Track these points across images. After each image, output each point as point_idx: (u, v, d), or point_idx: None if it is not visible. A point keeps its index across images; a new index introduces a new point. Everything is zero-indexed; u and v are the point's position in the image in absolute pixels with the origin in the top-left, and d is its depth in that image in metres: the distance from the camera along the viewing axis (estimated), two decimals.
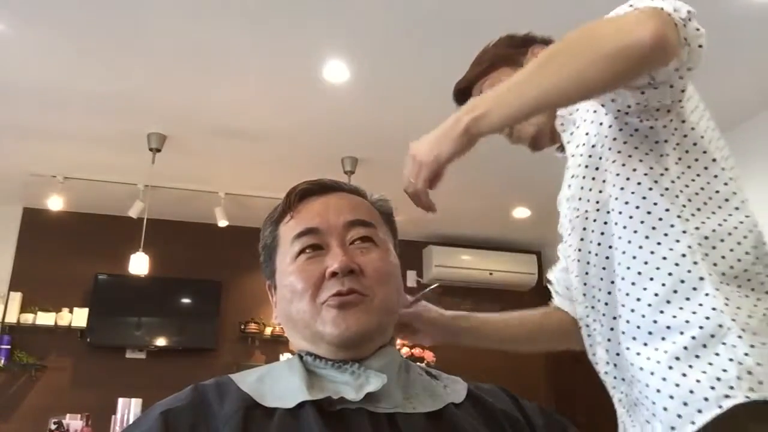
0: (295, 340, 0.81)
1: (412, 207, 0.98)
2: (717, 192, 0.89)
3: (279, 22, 2.72)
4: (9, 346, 4.40)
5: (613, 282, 0.91)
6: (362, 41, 2.88)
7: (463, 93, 1.22)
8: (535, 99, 0.82)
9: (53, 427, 3.38)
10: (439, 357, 4.87)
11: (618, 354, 0.90)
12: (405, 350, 4.82)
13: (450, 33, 2.77)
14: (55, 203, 4.13)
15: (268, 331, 4.89)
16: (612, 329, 0.91)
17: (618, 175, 0.92)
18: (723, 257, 0.84)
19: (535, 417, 0.80)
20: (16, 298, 4.49)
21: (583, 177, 0.99)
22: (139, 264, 3.81)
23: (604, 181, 0.95)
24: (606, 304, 0.92)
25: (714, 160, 0.91)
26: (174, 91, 3.27)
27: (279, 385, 0.73)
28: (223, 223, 4.38)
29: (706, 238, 0.85)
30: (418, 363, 0.88)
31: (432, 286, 1.12)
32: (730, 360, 0.76)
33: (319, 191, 0.85)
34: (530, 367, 5.17)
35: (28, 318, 4.46)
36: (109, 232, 4.74)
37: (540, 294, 1.37)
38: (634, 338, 0.86)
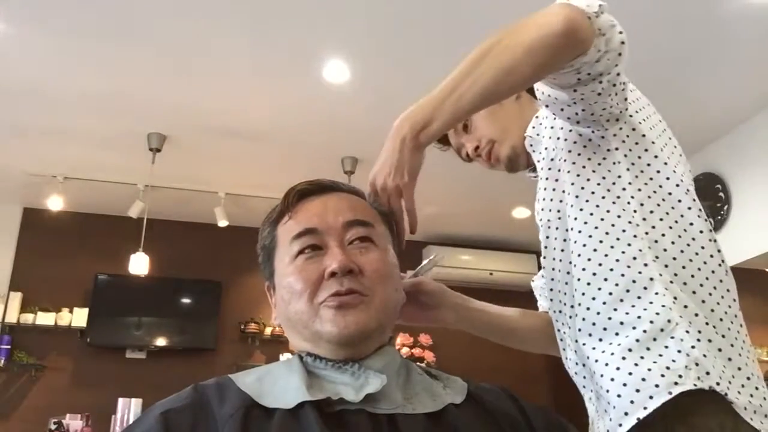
0: (295, 340, 0.81)
1: None
2: (669, 194, 0.94)
3: (279, 23, 2.72)
4: (9, 346, 4.40)
5: (574, 289, 0.95)
6: (362, 41, 2.88)
7: None
8: (471, 101, 0.85)
9: (53, 427, 3.38)
10: (439, 357, 4.88)
11: (585, 355, 0.94)
12: (405, 350, 4.83)
13: (450, 33, 2.77)
14: (55, 203, 4.13)
15: (268, 331, 4.89)
16: (579, 330, 0.95)
17: (573, 184, 0.97)
18: (674, 258, 0.89)
19: (536, 418, 0.80)
20: (16, 298, 4.49)
21: (545, 189, 1.05)
22: (139, 264, 3.81)
23: (563, 191, 1.00)
24: (571, 306, 0.96)
25: (665, 163, 0.96)
26: (174, 91, 3.27)
27: (279, 385, 0.73)
28: (223, 223, 4.38)
29: (656, 241, 0.90)
30: (417, 363, 0.87)
31: (431, 257, 1.11)
32: (679, 352, 0.82)
33: (317, 191, 0.85)
34: (530, 367, 5.17)
35: (28, 318, 4.46)
36: (109, 232, 4.74)
37: None
38: (589, 334, 0.90)
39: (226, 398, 0.70)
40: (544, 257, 1.04)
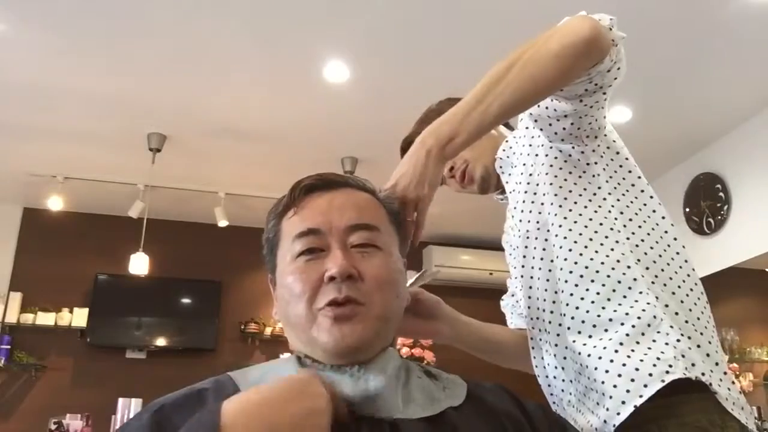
0: (294, 341, 0.81)
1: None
2: (645, 204, 1.02)
3: (279, 23, 2.72)
4: (9, 346, 4.40)
5: (556, 292, 1.00)
6: (362, 41, 2.88)
7: (408, 147, 1.27)
8: (499, 110, 0.90)
9: (53, 427, 3.38)
10: (439, 357, 4.87)
11: (565, 357, 0.98)
12: (405, 350, 4.82)
13: (450, 33, 2.77)
14: (55, 203, 4.13)
15: (268, 331, 4.90)
16: (558, 335, 0.99)
17: (556, 195, 1.03)
18: (654, 261, 0.97)
19: (536, 416, 0.80)
20: (16, 298, 4.49)
21: (523, 201, 1.10)
22: (139, 264, 3.81)
23: (542, 204, 1.05)
24: (551, 312, 1.00)
25: (639, 177, 1.05)
26: (174, 91, 3.27)
27: None
28: (223, 223, 4.38)
29: (637, 245, 0.97)
30: (417, 363, 0.87)
31: (425, 271, 1.16)
32: (666, 344, 0.88)
33: (324, 187, 0.83)
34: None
35: (28, 318, 4.46)
36: (109, 232, 4.74)
37: None
38: (579, 332, 0.95)
39: (224, 397, 0.69)
40: (523, 266, 1.07)
